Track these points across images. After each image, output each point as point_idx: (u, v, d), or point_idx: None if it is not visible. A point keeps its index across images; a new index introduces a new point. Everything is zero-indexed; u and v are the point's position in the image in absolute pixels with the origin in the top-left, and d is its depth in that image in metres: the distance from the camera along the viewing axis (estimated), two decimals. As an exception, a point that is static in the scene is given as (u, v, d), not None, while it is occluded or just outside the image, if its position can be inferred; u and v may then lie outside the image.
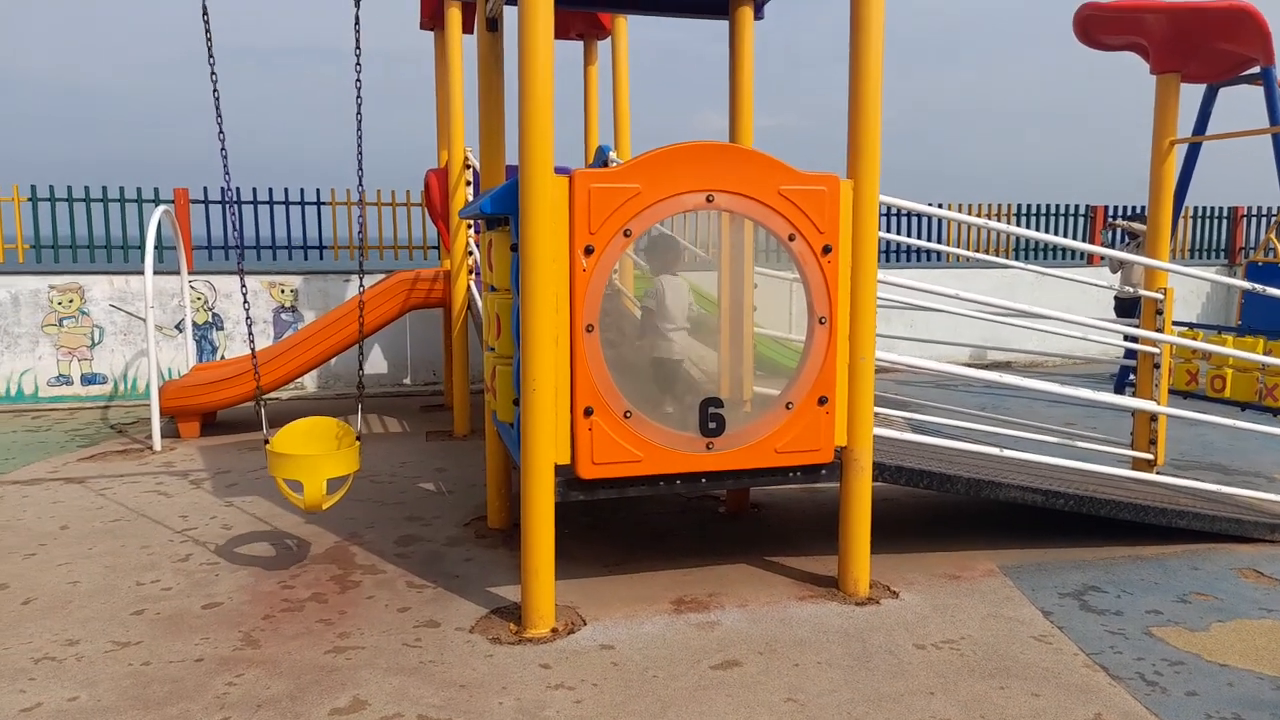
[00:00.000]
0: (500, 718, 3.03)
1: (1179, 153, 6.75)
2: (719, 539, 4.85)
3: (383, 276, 8.24)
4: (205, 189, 9.71)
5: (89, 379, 9.02)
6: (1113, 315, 9.50)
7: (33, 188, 9.35)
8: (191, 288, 8.96)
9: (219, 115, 4.17)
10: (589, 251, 3.56)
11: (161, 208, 7.33)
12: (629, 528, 5.04)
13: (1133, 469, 5.38)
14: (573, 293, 3.57)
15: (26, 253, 9.41)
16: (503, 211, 3.88)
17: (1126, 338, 5.74)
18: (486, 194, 4.13)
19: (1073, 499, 4.48)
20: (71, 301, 8.95)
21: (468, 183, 7.42)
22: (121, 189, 9.59)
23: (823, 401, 3.85)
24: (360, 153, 4.37)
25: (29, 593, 4.11)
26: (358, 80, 4.27)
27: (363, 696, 3.17)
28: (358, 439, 4.32)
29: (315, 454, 4.18)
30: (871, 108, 3.79)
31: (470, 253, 7.44)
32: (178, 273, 8.58)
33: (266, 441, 4.22)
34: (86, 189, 9.52)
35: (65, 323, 8.94)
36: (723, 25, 5.14)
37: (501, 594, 4.07)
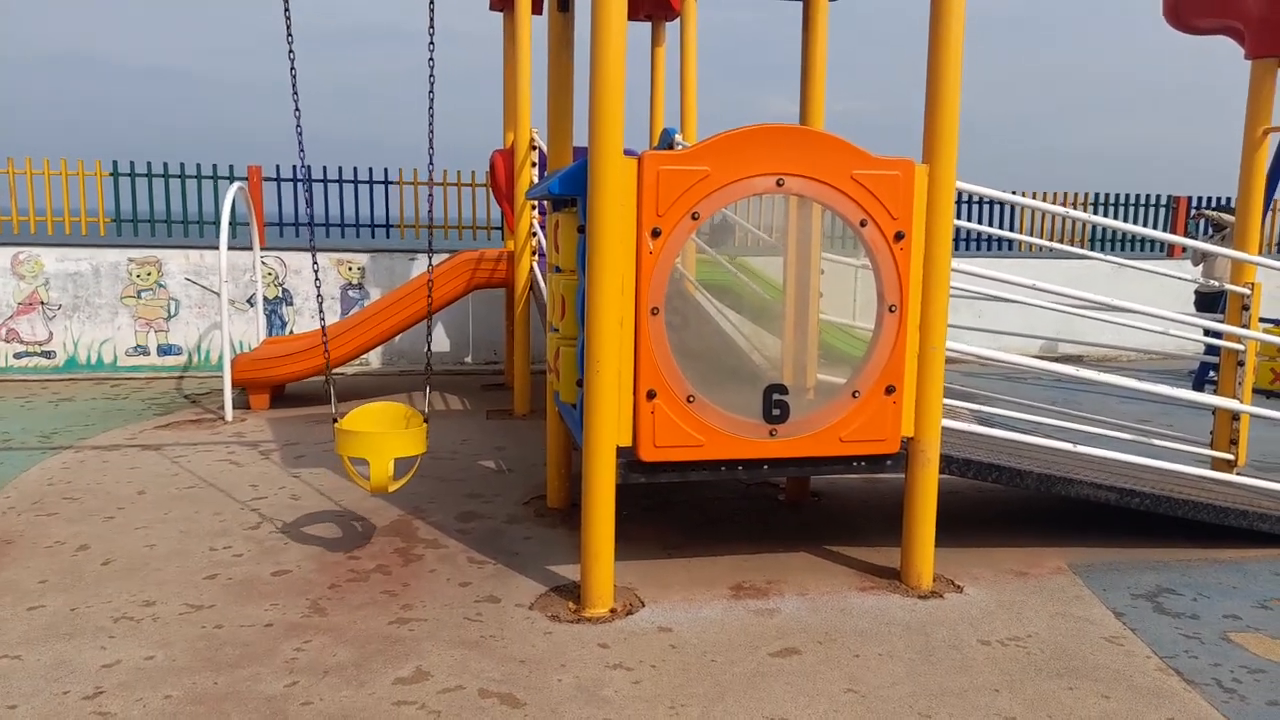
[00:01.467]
0: (560, 694, 3.06)
1: (1272, 141, 6.43)
2: (778, 526, 4.82)
3: (447, 256, 8.34)
4: (278, 167, 9.93)
5: (165, 350, 9.32)
6: (1193, 310, 9.15)
7: (114, 163, 9.65)
8: (263, 263, 9.18)
9: (295, 93, 4.22)
10: (656, 234, 3.55)
11: (236, 185, 7.52)
12: (688, 512, 5.03)
13: (1212, 469, 5.18)
14: (639, 275, 3.56)
15: (108, 226, 9.74)
16: (571, 193, 3.88)
17: (1209, 333, 5.52)
18: (555, 175, 4.13)
19: (1149, 498, 4.33)
20: (149, 274, 9.24)
21: (533, 164, 7.45)
22: (199, 166, 9.85)
23: (890, 391, 3.78)
24: (431, 131, 4.39)
25: (109, 554, 4.27)
26: (431, 59, 4.29)
27: (425, 667, 3.22)
28: (425, 420, 4.28)
29: (383, 432, 4.15)
30: (950, 90, 3.69)
31: (534, 234, 7.48)
32: (250, 248, 8.79)
33: (335, 420, 4.21)
34: (165, 165, 9.80)
35: (143, 295, 9.25)
36: (793, 7, 5.05)
37: (560, 573, 4.10)
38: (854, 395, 3.77)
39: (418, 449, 4.16)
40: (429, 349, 4.62)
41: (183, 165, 9.81)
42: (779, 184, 3.63)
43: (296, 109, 4.27)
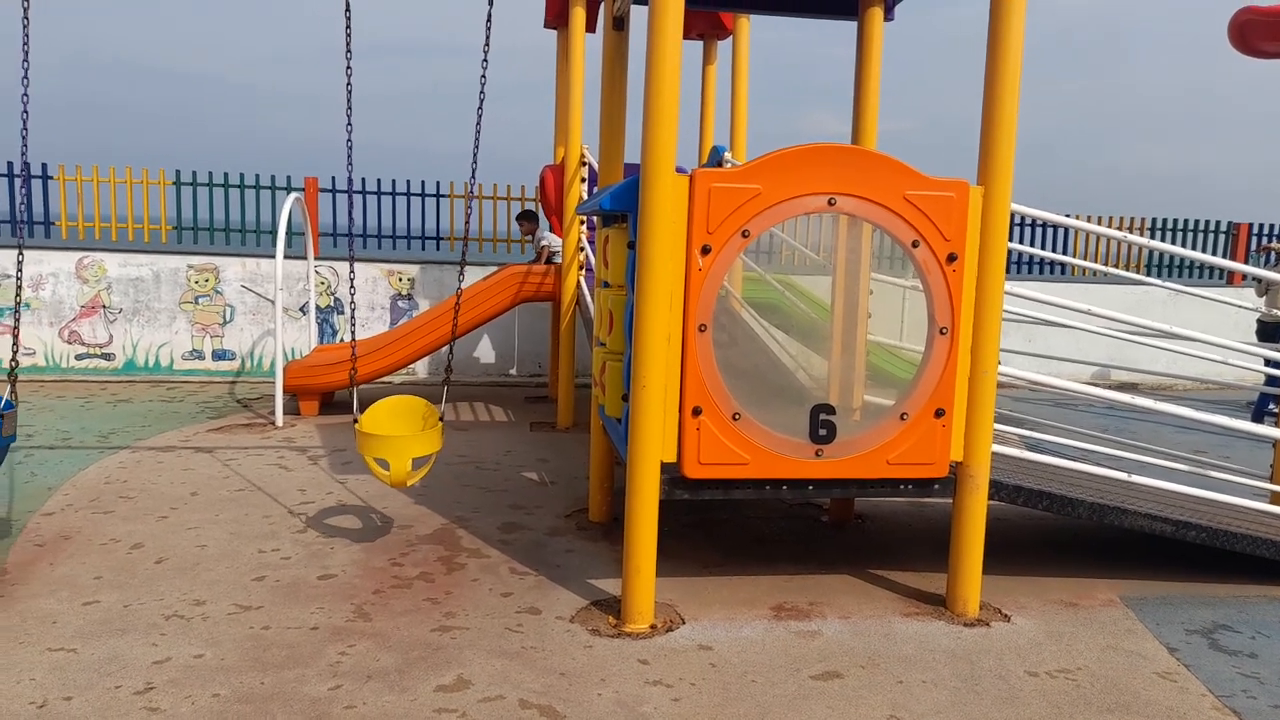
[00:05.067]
0: (599, 709, 3.05)
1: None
2: (821, 548, 4.77)
3: (495, 269, 8.43)
4: (333, 178, 10.14)
5: (219, 355, 9.54)
6: (1254, 339, 8.92)
7: (177, 173, 9.94)
8: (316, 272, 9.36)
9: (349, 108, 4.34)
10: (706, 251, 3.55)
11: (293, 195, 7.69)
12: (729, 530, 5.01)
13: (1271, 504, 5.02)
14: (687, 292, 3.57)
15: (169, 234, 10.01)
16: (622, 209, 3.91)
17: (1270, 364, 5.36)
18: (606, 190, 4.17)
19: (1206, 531, 4.22)
20: (207, 281, 9.48)
21: (583, 180, 7.52)
22: (257, 176, 10.10)
23: (940, 414, 3.73)
24: (476, 146, 4.47)
25: (162, 553, 4.37)
26: (483, 76, 4.34)
27: (466, 676, 3.25)
28: (441, 419, 4.48)
29: (401, 435, 4.38)
30: (1007, 111, 3.65)
31: (581, 249, 7.53)
32: (305, 258, 8.98)
33: (355, 421, 4.43)
34: (225, 175, 10.07)
35: (200, 301, 9.48)
36: (839, 26, 5.06)
37: (601, 586, 4.10)
38: (902, 418, 3.73)
39: (434, 448, 4.40)
40: (450, 355, 4.79)
41: (242, 176, 10.08)
42: (831, 203, 3.62)
43: (349, 124, 4.39)
